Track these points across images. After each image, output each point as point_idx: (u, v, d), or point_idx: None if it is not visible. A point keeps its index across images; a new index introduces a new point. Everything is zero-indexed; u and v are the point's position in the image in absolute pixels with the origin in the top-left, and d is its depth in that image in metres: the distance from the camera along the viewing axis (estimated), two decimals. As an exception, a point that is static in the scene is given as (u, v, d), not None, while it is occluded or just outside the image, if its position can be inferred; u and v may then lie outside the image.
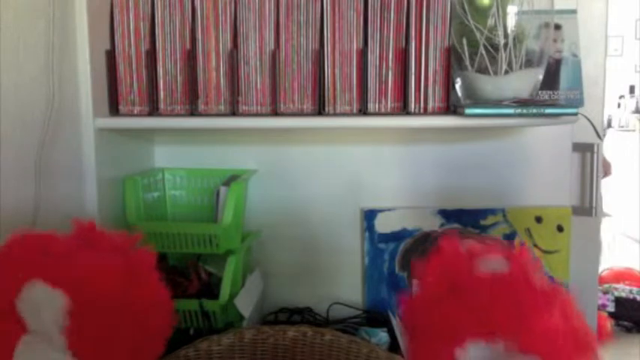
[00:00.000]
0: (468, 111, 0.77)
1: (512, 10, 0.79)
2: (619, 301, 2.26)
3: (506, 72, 0.79)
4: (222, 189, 0.92)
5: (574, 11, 0.96)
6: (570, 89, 0.95)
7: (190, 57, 0.84)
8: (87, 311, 0.47)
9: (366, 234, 1.03)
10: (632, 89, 4.23)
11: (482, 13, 0.79)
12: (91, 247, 0.53)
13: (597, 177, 1.05)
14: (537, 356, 0.47)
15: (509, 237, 1.01)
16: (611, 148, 3.44)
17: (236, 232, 0.90)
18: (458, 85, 0.84)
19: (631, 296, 2.29)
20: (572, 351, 0.47)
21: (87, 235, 0.55)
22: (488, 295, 0.49)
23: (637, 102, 4.15)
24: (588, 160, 1.05)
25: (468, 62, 0.80)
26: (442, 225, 1.02)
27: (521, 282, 0.50)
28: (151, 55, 0.85)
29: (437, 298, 0.52)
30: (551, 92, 0.95)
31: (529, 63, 0.80)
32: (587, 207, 1.06)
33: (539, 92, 0.92)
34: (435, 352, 0.50)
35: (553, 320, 0.47)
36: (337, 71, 0.84)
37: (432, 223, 1.02)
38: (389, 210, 1.03)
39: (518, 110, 0.77)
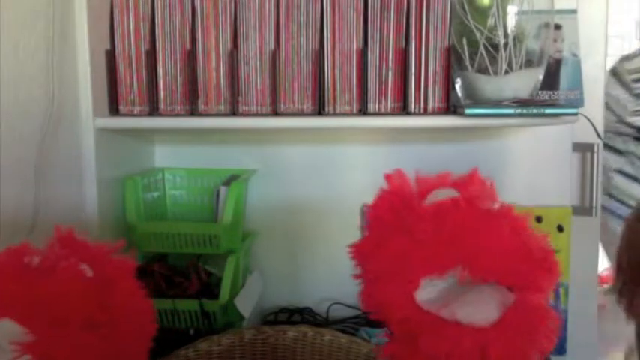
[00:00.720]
0: (468, 111, 0.77)
1: (512, 10, 0.79)
2: (619, 301, 2.26)
3: (506, 72, 0.79)
4: (222, 189, 0.92)
5: (574, 11, 0.96)
6: (570, 89, 0.95)
7: (190, 57, 0.84)
8: (55, 328, 0.46)
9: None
10: (632, 89, 4.22)
11: (482, 13, 0.79)
12: (69, 256, 0.52)
13: (597, 177, 1.05)
14: (493, 279, 0.46)
15: (509, 237, 1.01)
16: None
17: (236, 232, 0.90)
18: (458, 85, 0.84)
19: (631, 296, 2.28)
20: (528, 269, 0.46)
21: (65, 242, 0.54)
22: (433, 227, 0.47)
23: (637, 102, 4.15)
24: (588, 160, 1.05)
25: (468, 62, 0.80)
26: (442, 225, 1.02)
27: (463, 208, 0.48)
28: (151, 55, 0.85)
29: (385, 237, 0.50)
30: (551, 92, 0.95)
31: (529, 63, 0.80)
32: (587, 207, 1.06)
33: (539, 92, 0.92)
34: (391, 293, 0.49)
35: (502, 241, 0.46)
36: (337, 71, 0.84)
37: (432, 223, 1.02)
38: (389, 210, 1.03)
39: (518, 110, 0.77)
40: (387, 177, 0.55)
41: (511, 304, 0.46)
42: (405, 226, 0.49)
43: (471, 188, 0.51)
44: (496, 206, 0.50)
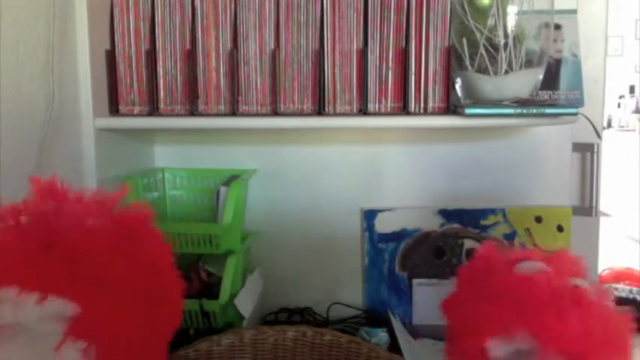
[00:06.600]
0: (468, 111, 0.77)
1: (512, 10, 0.79)
2: (619, 301, 2.26)
3: (506, 72, 0.79)
4: (222, 189, 0.92)
5: (574, 11, 0.96)
6: (570, 89, 0.95)
7: (190, 57, 0.84)
8: (98, 296, 0.41)
9: (366, 234, 1.03)
10: (632, 89, 4.23)
11: (482, 13, 0.79)
12: (62, 214, 0.44)
13: (597, 177, 1.05)
14: (559, 356, 0.47)
15: (510, 237, 1.02)
16: (611, 148, 3.43)
17: (236, 232, 0.90)
18: (458, 85, 0.84)
19: (631, 296, 2.28)
20: (598, 352, 0.47)
21: (50, 195, 0.46)
22: (511, 296, 0.50)
23: (637, 102, 4.15)
24: (588, 160, 1.05)
25: (468, 62, 0.80)
26: (442, 225, 1.02)
27: (544, 283, 0.50)
28: (151, 55, 0.85)
29: (471, 298, 0.54)
30: (551, 92, 0.95)
31: (529, 63, 0.80)
32: (587, 207, 1.06)
33: (539, 92, 0.92)
34: (465, 348, 0.51)
35: (573, 321, 0.47)
36: (337, 71, 0.84)
37: (432, 223, 1.02)
38: (389, 210, 1.03)
39: (518, 110, 0.77)
40: (483, 244, 0.59)
41: None
42: (491, 290, 0.52)
43: (560, 263, 0.53)
44: (582, 284, 0.51)
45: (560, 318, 0.47)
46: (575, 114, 0.78)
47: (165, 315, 0.48)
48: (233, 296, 0.86)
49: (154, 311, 0.46)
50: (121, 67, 0.85)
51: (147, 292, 0.45)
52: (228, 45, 0.84)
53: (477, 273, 0.56)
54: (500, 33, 0.78)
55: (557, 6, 0.85)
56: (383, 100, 0.84)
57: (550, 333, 0.47)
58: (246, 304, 0.88)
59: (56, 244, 0.42)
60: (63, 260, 0.41)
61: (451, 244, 1.02)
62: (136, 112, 0.86)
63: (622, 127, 4.08)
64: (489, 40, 0.78)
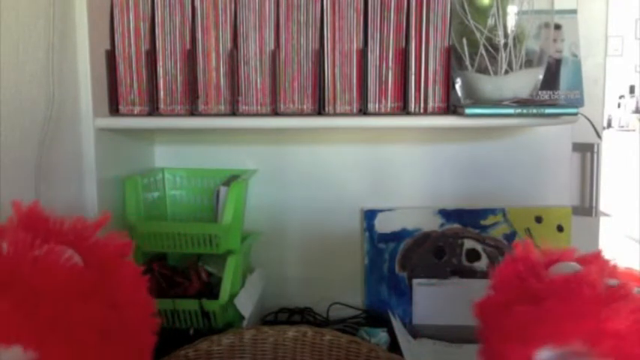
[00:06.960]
0: (468, 111, 0.77)
1: (512, 10, 0.79)
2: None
3: (506, 72, 0.79)
4: (222, 189, 0.92)
5: (574, 11, 0.96)
6: (570, 89, 0.95)
7: (190, 57, 0.84)
8: (59, 344, 0.39)
9: (366, 234, 1.03)
10: (632, 89, 4.23)
11: (482, 13, 0.79)
12: (40, 240, 0.42)
13: (597, 177, 1.05)
14: (607, 358, 0.46)
15: (510, 237, 1.02)
16: (611, 148, 3.43)
17: (236, 232, 0.90)
18: (458, 85, 0.84)
19: (631, 296, 2.28)
20: None
21: (31, 223, 0.44)
22: (556, 298, 0.48)
23: (637, 102, 4.15)
24: (588, 160, 1.05)
25: (468, 62, 0.80)
26: (442, 225, 1.02)
27: (586, 284, 0.48)
28: (151, 55, 0.85)
29: (509, 301, 0.52)
30: (551, 92, 0.95)
31: (529, 63, 0.80)
32: (587, 207, 1.06)
33: (539, 92, 0.92)
34: (507, 355, 0.50)
35: (619, 321, 0.46)
36: (337, 71, 0.84)
37: (432, 223, 1.02)
38: (389, 210, 1.03)
39: (518, 110, 0.77)
40: (515, 245, 0.57)
41: None
42: (530, 293, 0.50)
43: (594, 265, 0.52)
44: (617, 285, 0.50)
45: (615, 317, 0.46)
46: (575, 114, 0.78)
47: (134, 351, 0.47)
48: (233, 296, 0.86)
49: (120, 349, 0.44)
50: (121, 67, 0.85)
51: (113, 330, 0.43)
52: (228, 45, 0.84)
53: (513, 276, 0.54)
54: (500, 33, 0.78)
55: (557, 6, 0.85)
56: (383, 100, 0.84)
57: (605, 333, 0.45)
58: (246, 304, 0.88)
59: (16, 283, 0.40)
60: (22, 301, 0.39)
61: (451, 244, 1.02)
62: (136, 112, 0.86)
63: (622, 127, 4.08)
64: (489, 40, 0.78)
